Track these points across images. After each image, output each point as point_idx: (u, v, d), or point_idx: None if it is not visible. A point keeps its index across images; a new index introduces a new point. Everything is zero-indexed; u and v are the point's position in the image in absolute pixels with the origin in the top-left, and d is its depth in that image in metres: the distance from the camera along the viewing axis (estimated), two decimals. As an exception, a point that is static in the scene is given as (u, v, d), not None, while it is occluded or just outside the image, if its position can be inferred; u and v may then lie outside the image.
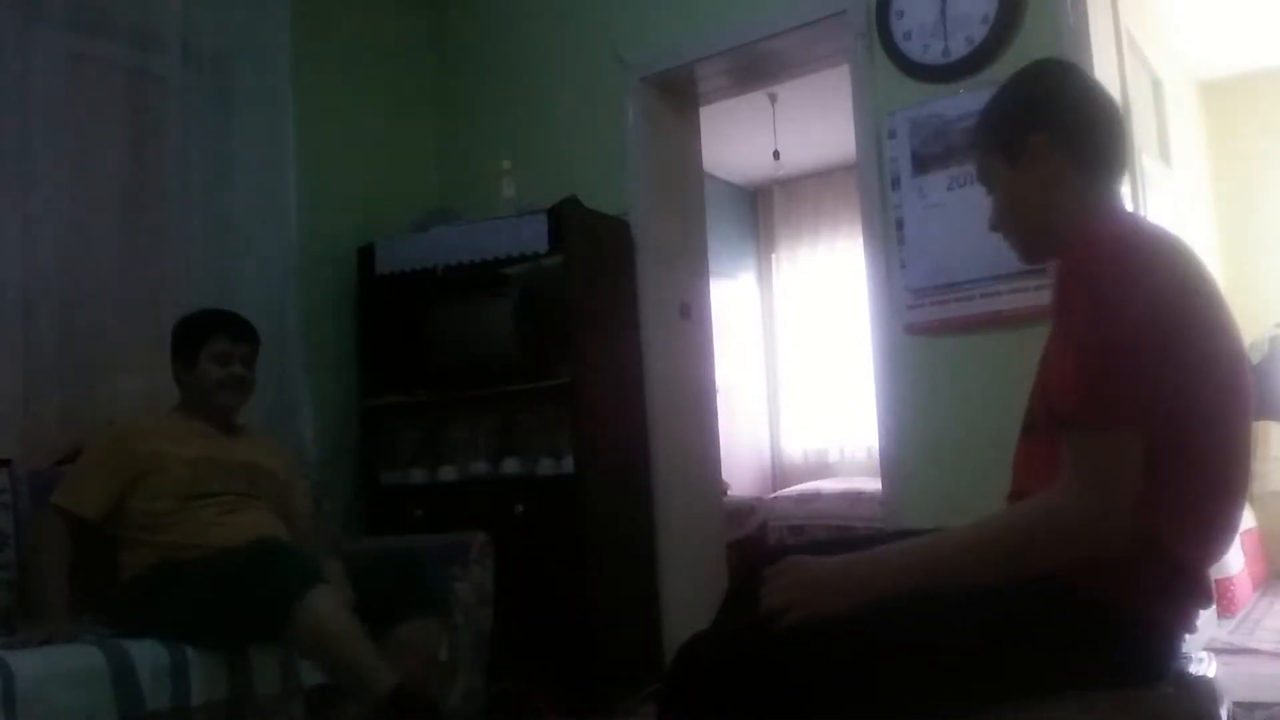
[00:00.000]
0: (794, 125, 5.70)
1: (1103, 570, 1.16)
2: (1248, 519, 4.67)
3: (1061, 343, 1.21)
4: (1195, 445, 1.19)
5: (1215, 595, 1.28)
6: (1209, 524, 1.23)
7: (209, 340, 2.53)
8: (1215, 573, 3.83)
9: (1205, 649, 3.02)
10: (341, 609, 2.09)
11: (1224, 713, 1.21)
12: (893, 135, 3.09)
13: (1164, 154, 3.88)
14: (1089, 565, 1.16)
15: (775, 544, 5.50)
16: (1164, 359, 1.15)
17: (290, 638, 2.06)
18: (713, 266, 4.17)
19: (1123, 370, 1.14)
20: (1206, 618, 3.49)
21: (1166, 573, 1.19)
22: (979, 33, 2.94)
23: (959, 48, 2.98)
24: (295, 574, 2.07)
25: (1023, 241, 1.44)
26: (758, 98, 5.13)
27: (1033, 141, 1.35)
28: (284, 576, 2.06)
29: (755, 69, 3.75)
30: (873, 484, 5.33)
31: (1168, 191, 3.81)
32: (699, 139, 4.05)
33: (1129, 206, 2.81)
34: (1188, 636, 1.27)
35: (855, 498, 5.49)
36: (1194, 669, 1.25)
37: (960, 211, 2.91)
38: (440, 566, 2.53)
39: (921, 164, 3.02)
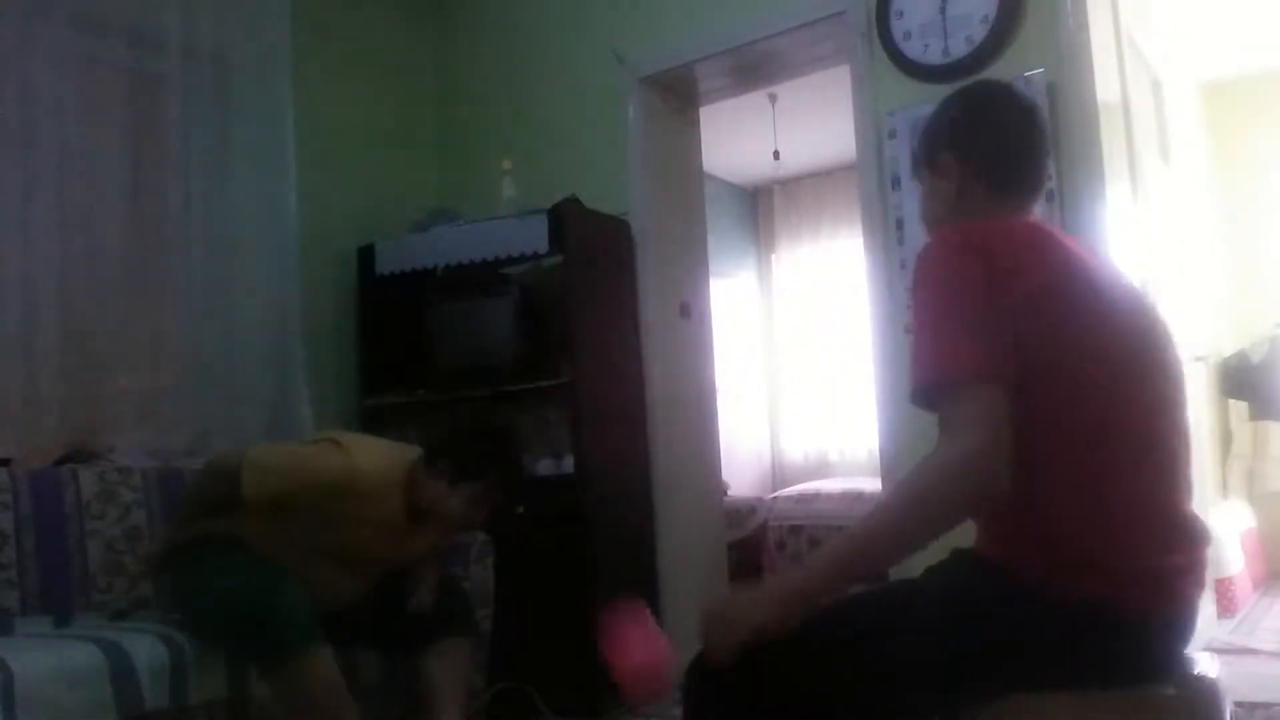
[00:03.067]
0: (794, 125, 5.70)
1: (1065, 567, 1.22)
2: (1248, 519, 4.66)
3: (915, 334, 1.31)
4: (1096, 437, 1.25)
5: (1187, 587, 1.29)
6: (1134, 507, 1.26)
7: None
8: (1215, 572, 3.84)
9: (1206, 649, 3.02)
10: (337, 675, 2.04)
11: (1226, 713, 1.21)
12: (893, 135, 3.09)
13: (1164, 154, 3.88)
14: (1046, 563, 1.22)
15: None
16: (1020, 326, 1.24)
17: (279, 685, 2.02)
18: (713, 266, 4.17)
19: (956, 335, 1.25)
20: (1206, 618, 3.49)
21: (1120, 566, 1.22)
22: (979, 33, 2.94)
23: (959, 48, 2.98)
24: (299, 625, 2.01)
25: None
26: (758, 98, 5.13)
27: (944, 159, 1.51)
28: (287, 624, 2.01)
29: (755, 69, 3.75)
30: (873, 484, 5.33)
31: (1168, 191, 3.81)
32: (699, 139, 4.05)
33: (1101, 199, 2.81)
34: (1181, 633, 1.28)
35: (855, 498, 5.48)
36: (1196, 669, 1.25)
37: (960, 211, 2.91)
38: (461, 582, 2.50)
39: (921, 164, 3.02)
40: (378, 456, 2.30)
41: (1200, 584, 1.30)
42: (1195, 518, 1.30)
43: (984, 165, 1.48)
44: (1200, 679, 1.22)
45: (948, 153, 1.51)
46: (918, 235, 3.02)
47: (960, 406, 1.22)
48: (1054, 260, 1.32)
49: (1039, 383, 1.24)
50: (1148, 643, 1.24)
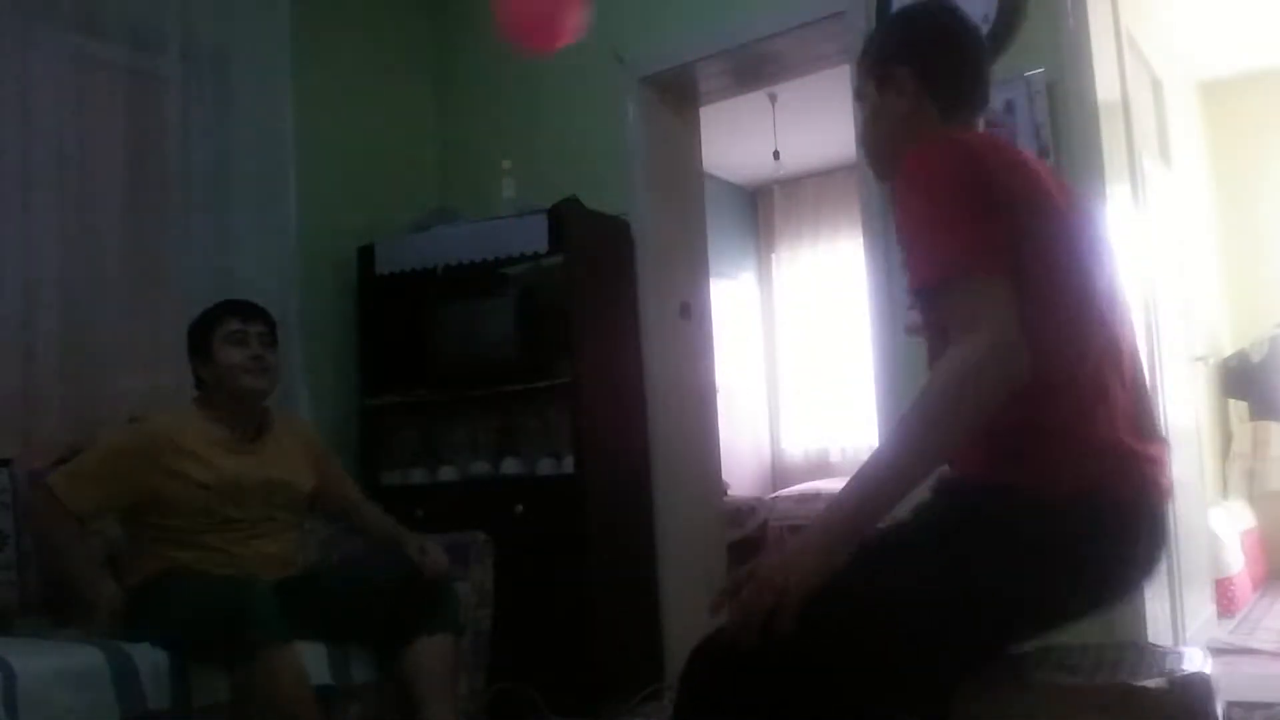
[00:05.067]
0: (794, 125, 5.70)
1: (1064, 464, 1.24)
2: (1248, 519, 4.66)
3: (911, 240, 1.31)
4: (1065, 333, 1.29)
5: (1156, 463, 1.33)
6: (1101, 386, 1.30)
7: (218, 324, 2.39)
8: (1215, 572, 3.84)
9: (1204, 649, 3.02)
10: (304, 674, 2.04)
11: (1219, 711, 1.21)
12: (892, 135, 3.09)
13: (1164, 154, 3.88)
14: (1026, 466, 1.25)
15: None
16: (1006, 220, 1.26)
17: (242, 687, 2.00)
18: (713, 266, 4.17)
19: (959, 230, 1.25)
20: (1207, 617, 3.49)
21: (1100, 454, 1.26)
22: (979, 33, 2.93)
23: (959, 48, 2.97)
24: (263, 623, 2.01)
25: (878, 159, 1.58)
26: (758, 98, 5.13)
27: (899, 74, 1.50)
28: (250, 623, 2.00)
29: (755, 69, 3.75)
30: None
31: (1168, 191, 3.81)
32: (699, 139, 4.05)
33: (1101, 199, 2.81)
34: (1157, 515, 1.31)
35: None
36: (1190, 667, 1.25)
37: (960, 211, 2.91)
38: (451, 582, 2.48)
39: (921, 164, 3.02)
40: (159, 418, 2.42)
41: (1170, 479, 1.35)
42: (1156, 416, 1.38)
43: (942, 84, 1.49)
44: (1193, 676, 1.22)
45: (904, 68, 1.50)
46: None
47: (976, 300, 1.21)
48: (1033, 171, 1.38)
49: (1023, 281, 1.26)
50: (1140, 536, 1.29)
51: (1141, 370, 1.40)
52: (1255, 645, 3.48)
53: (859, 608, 1.21)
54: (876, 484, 1.22)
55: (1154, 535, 1.31)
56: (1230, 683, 1.27)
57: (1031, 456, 1.26)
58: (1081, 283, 1.34)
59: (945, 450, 1.23)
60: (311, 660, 2.15)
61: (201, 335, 2.41)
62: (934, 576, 1.23)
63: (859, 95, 1.60)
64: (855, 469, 1.27)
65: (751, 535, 5.62)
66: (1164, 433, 1.37)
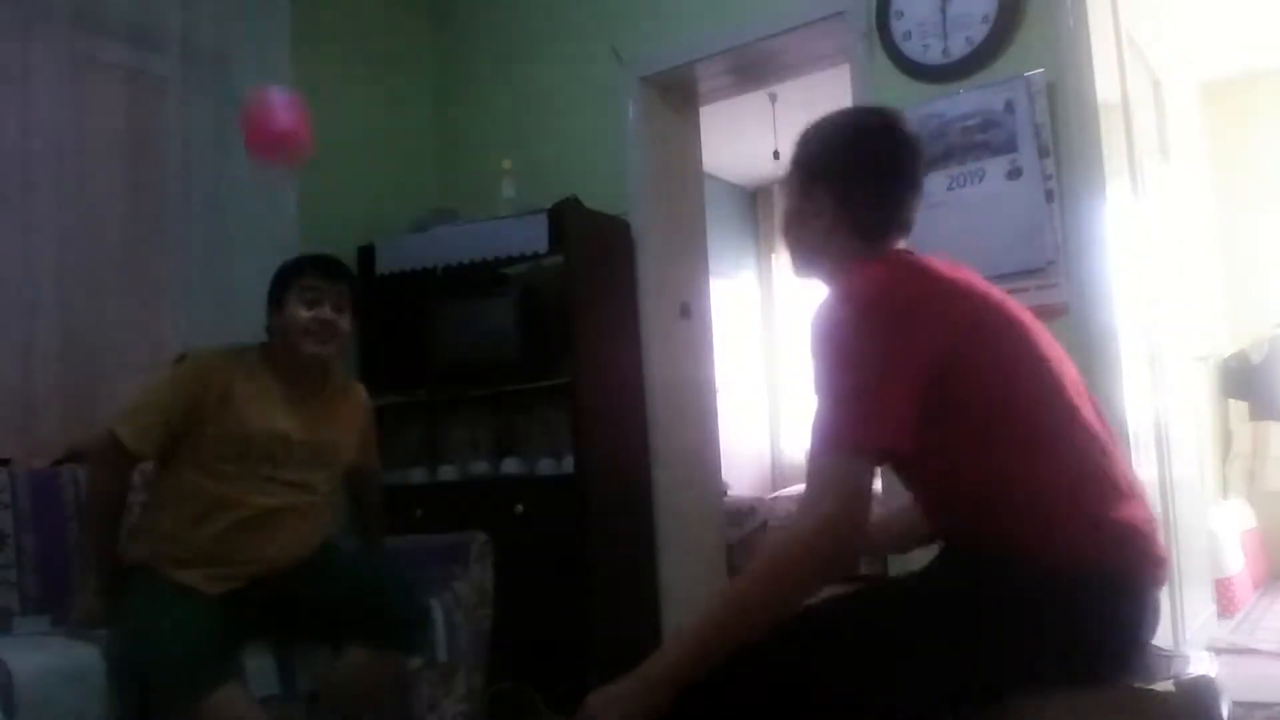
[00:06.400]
0: (794, 125, 5.66)
1: (1039, 539, 1.25)
2: (1248, 519, 4.67)
3: (813, 384, 1.31)
4: (1028, 431, 1.30)
5: (1155, 550, 1.33)
6: (1090, 483, 1.30)
7: (299, 278, 2.26)
8: (1215, 573, 3.84)
9: (1205, 649, 3.02)
10: (251, 710, 1.96)
11: (1224, 712, 1.21)
12: (893, 135, 3.09)
13: (1164, 154, 3.88)
14: (1031, 538, 1.25)
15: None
16: (926, 382, 1.25)
17: None
18: (713, 266, 4.17)
19: (846, 404, 1.25)
20: (1207, 617, 3.49)
21: (1092, 528, 1.26)
22: (979, 33, 2.94)
23: (959, 48, 2.97)
24: (200, 669, 1.93)
25: (793, 257, 1.57)
26: (758, 98, 5.13)
27: (817, 192, 1.47)
28: (193, 666, 1.93)
29: (755, 69, 3.75)
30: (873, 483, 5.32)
31: (1168, 191, 3.81)
32: (699, 139, 4.05)
33: (1101, 199, 2.80)
34: (1152, 606, 1.30)
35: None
36: (1194, 668, 1.25)
37: (960, 212, 2.91)
38: (423, 602, 2.41)
39: (921, 164, 3.02)
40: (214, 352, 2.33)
41: (1159, 542, 1.34)
42: (1135, 477, 1.37)
43: (862, 212, 1.46)
44: (1200, 678, 1.22)
45: (822, 186, 1.47)
46: (917, 236, 3.01)
47: (828, 475, 1.23)
48: (963, 284, 1.36)
49: (976, 389, 1.28)
50: (1136, 606, 1.28)
51: (1106, 419, 1.40)
52: (1255, 645, 3.48)
53: (857, 671, 1.25)
54: (699, 642, 1.25)
55: (1149, 604, 1.30)
56: (1230, 683, 1.26)
57: (1031, 531, 1.26)
58: (1050, 369, 1.34)
59: (770, 614, 1.24)
60: (259, 673, 2.13)
61: (281, 284, 2.29)
62: (930, 645, 1.25)
63: (787, 181, 1.55)
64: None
65: (751, 535, 5.61)
66: (1143, 489, 1.38)
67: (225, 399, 2.18)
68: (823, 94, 4.94)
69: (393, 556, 2.61)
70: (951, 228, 2.93)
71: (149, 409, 2.17)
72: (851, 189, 1.46)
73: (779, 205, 7.08)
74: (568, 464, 3.27)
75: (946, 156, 2.94)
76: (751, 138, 5.85)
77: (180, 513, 2.18)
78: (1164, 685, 1.20)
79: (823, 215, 1.47)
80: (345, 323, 2.32)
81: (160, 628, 2.00)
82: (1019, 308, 1.41)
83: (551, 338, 3.36)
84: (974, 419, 1.28)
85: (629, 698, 1.25)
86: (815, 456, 1.25)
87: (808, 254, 1.53)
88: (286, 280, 2.29)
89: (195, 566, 2.13)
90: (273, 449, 2.22)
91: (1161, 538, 1.35)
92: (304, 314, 2.24)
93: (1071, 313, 2.74)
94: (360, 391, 2.55)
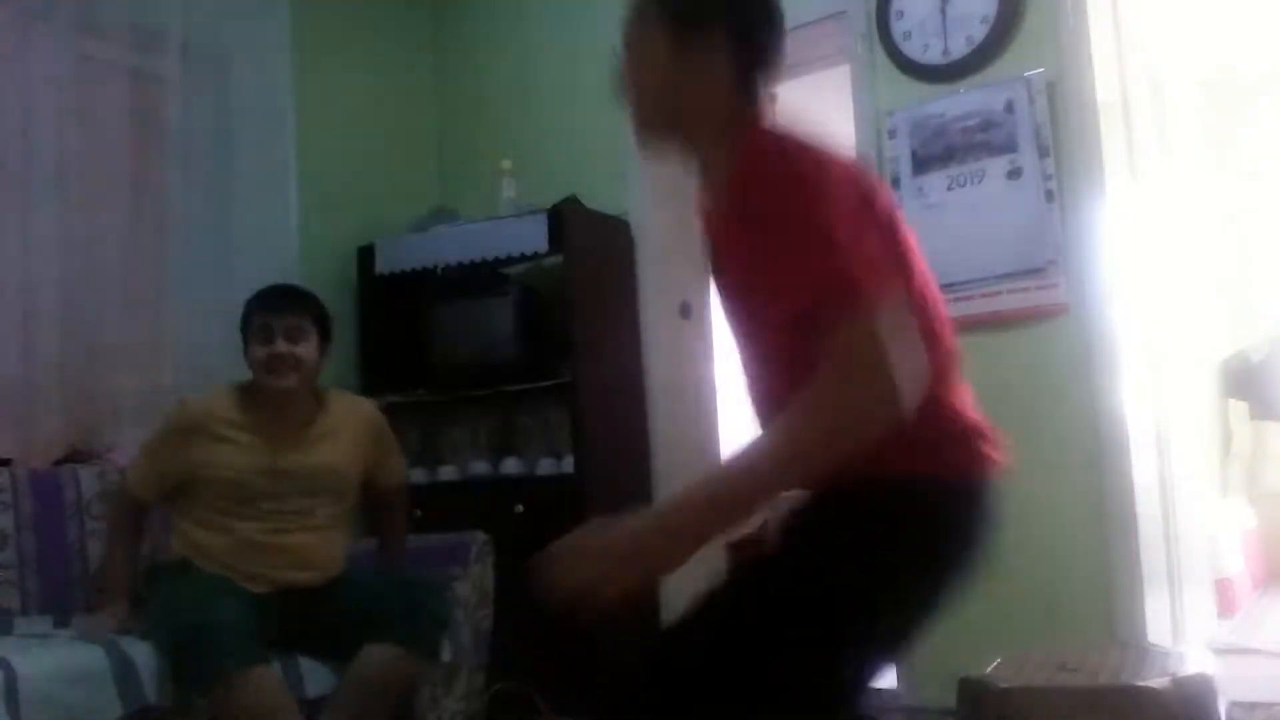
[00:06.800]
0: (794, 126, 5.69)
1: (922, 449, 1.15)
2: (1248, 519, 4.66)
3: (775, 242, 1.11)
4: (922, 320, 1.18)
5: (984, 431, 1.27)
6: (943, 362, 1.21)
7: (251, 316, 2.32)
8: (1215, 573, 3.84)
9: (1205, 649, 3.02)
10: (280, 695, 2.02)
11: (1222, 711, 1.21)
12: (892, 135, 3.09)
13: (1164, 154, 3.88)
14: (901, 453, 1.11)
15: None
16: (870, 233, 1.13)
17: (219, 706, 1.97)
18: (713, 266, 4.16)
19: (855, 248, 1.08)
20: (1207, 617, 3.49)
21: (941, 420, 1.19)
22: (979, 33, 2.94)
23: (959, 48, 2.98)
24: (235, 647, 1.99)
25: (646, 117, 1.36)
26: (758, 98, 5.13)
27: (710, 31, 1.25)
28: (215, 649, 1.98)
29: (755, 69, 3.74)
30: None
31: (1168, 191, 3.81)
32: (699, 139, 4.04)
33: (1101, 199, 2.81)
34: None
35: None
36: (1192, 667, 1.25)
37: (960, 211, 2.92)
38: (443, 598, 2.43)
39: (921, 164, 3.02)
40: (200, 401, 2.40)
41: (1004, 453, 1.28)
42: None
43: (753, 46, 1.26)
44: (1195, 675, 1.22)
45: (719, 23, 1.24)
46: (917, 235, 3.02)
47: (867, 328, 1.04)
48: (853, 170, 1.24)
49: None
50: (985, 512, 1.22)
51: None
52: (1255, 645, 3.48)
53: (733, 631, 1.20)
54: (749, 487, 1.15)
55: (991, 512, 1.24)
56: (1230, 683, 1.27)
57: (908, 443, 1.10)
58: (924, 265, 1.25)
59: (813, 469, 1.13)
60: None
61: (244, 322, 2.35)
62: (807, 582, 1.19)
63: (631, 35, 1.33)
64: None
65: (751, 535, 5.61)
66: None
67: (211, 445, 2.27)
68: (823, 94, 4.95)
69: (412, 568, 2.62)
70: (951, 228, 2.94)
71: (146, 455, 2.35)
72: (748, 20, 1.25)
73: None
74: (568, 464, 3.27)
75: (946, 156, 2.94)
76: (751, 138, 5.85)
77: (201, 538, 2.30)
78: (1161, 683, 1.20)
79: (711, 51, 1.24)
80: (306, 349, 2.32)
81: (199, 605, 2.08)
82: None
83: (551, 338, 3.36)
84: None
85: (650, 541, 1.14)
86: (853, 313, 1.04)
87: (672, 106, 1.31)
88: (246, 318, 2.35)
89: (228, 570, 2.24)
90: (266, 486, 2.28)
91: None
92: (259, 352, 2.29)
93: (1071, 313, 2.74)
94: (366, 408, 2.58)
